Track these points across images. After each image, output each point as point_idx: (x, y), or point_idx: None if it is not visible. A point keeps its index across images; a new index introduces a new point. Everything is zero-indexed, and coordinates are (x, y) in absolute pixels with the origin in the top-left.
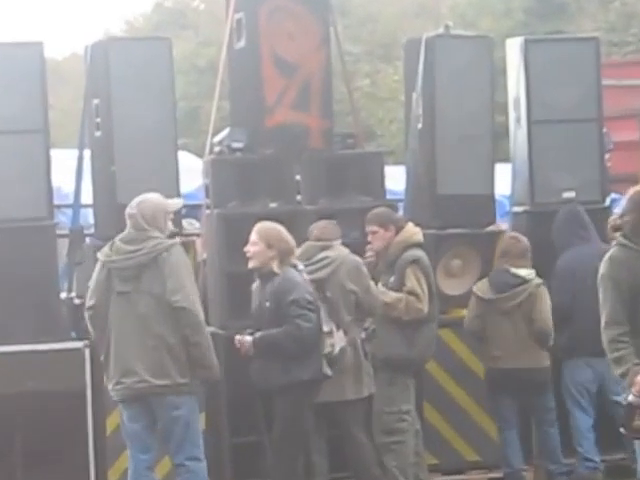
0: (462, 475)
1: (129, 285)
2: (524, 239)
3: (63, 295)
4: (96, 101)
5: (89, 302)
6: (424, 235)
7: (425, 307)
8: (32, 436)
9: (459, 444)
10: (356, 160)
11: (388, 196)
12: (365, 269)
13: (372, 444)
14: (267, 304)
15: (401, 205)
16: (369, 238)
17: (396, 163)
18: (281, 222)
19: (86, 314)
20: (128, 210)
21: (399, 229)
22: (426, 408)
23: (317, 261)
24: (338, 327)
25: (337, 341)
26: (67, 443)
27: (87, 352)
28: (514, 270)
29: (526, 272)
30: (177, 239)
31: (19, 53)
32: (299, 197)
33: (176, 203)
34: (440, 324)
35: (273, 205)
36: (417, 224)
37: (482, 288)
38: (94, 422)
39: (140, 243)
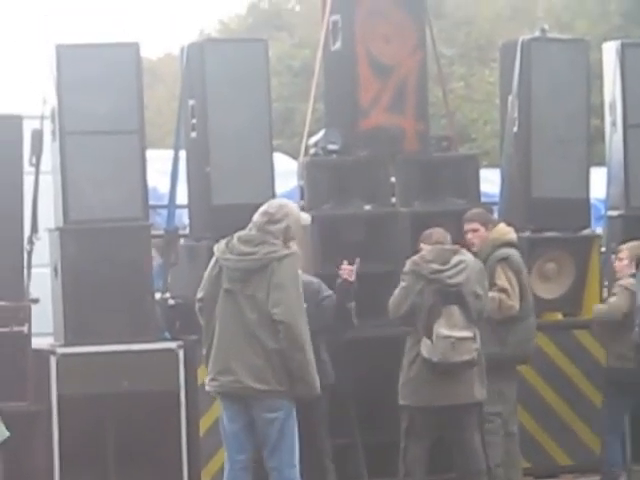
0: (554, 479)
1: (236, 285)
2: None
3: (157, 296)
4: (192, 102)
5: (199, 294)
6: (518, 239)
7: (516, 304)
8: (126, 436)
9: (552, 448)
10: (451, 163)
11: (483, 199)
12: (486, 275)
13: (482, 447)
14: None
15: (495, 208)
16: (469, 236)
17: (491, 165)
18: (375, 224)
19: (196, 306)
20: (265, 208)
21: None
22: (519, 411)
23: (454, 265)
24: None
25: (478, 346)
26: (161, 443)
27: (181, 353)
28: None
29: None
30: (294, 248)
31: (115, 53)
32: (393, 199)
33: (307, 218)
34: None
35: (367, 207)
36: (512, 227)
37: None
38: (188, 423)
39: (255, 246)
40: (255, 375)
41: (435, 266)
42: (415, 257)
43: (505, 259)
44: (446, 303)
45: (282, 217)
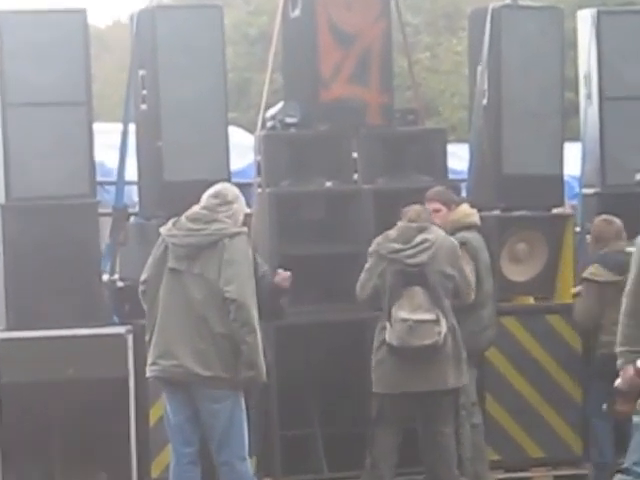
0: (526, 472)
1: (183, 264)
2: (616, 220)
3: (105, 277)
4: (142, 72)
5: (143, 276)
6: (487, 218)
7: (472, 293)
8: (72, 427)
9: (523, 439)
10: (417, 137)
11: (450, 176)
12: (460, 252)
13: (454, 439)
14: None
15: (463, 185)
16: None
17: (458, 140)
18: (336, 202)
19: (139, 288)
20: (210, 191)
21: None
22: (488, 400)
23: (417, 244)
24: (442, 313)
25: (442, 328)
26: (109, 434)
27: (130, 338)
28: (629, 249)
29: None
30: (244, 229)
31: (61, 21)
32: (356, 176)
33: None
34: (504, 312)
35: (328, 184)
36: (481, 205)
37: (598, 273)
38: (137, 412)
39: (205, 223)
40: (199, 360)
41: (395, 245)
42: (379, 237)
43: (462, 244)
44: (407, 284)
45: (234, 199)
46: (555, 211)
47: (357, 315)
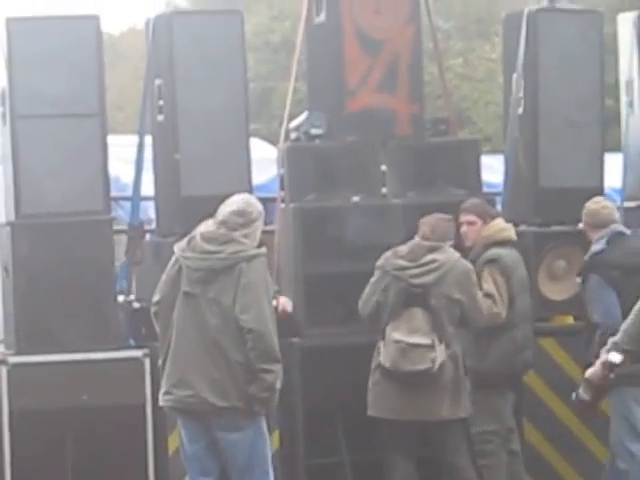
0: None
1: (197, 288)
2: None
3: (120, 298)
4: (158, 82)
5: (155, 297)
6: (524, 233)
7: (503, 312)
8: (86, 456)
9: (562, 466)
10: (449, 148)
11: (484, 189)
12: (475, 277)
13: (475, 471)
14: None
15: (498, 199)
16: (463, 229)
17: (493, 151)
18: (364, 218)
19: (151, 310)
20: (233, 207)
21: None
22: (526, 426)
23: (424, 264)
24: (440, 340)
25: (438, 355)
26: (125, 464)
27: (147, 362)
28: None
29: None
30: (263, 249)
31: (73, 28)
32: (384, 190)
33: None
34: (541, 333)
35: (355, 199)
36: (517, 220)
37: None
38: (155, 440)
39: (220, 245)
40: (214, 389)
41: (402, 262)
42: (389, 251)
43: (494, 261)
44: (408, 305)
45: (257, 217)
46: None
47: None
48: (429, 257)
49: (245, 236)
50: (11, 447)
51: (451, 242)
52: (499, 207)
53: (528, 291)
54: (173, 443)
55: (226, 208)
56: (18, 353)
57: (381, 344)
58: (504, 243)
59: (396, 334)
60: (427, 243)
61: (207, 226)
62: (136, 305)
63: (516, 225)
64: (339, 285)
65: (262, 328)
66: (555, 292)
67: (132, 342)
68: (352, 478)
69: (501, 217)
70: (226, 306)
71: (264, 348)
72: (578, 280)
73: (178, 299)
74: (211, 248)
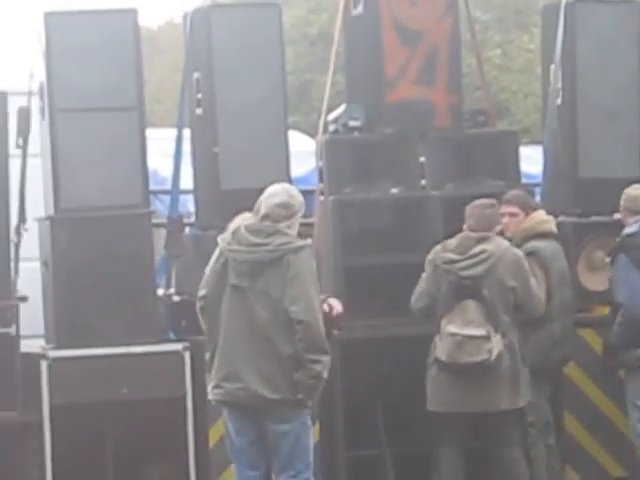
0: None
1: (245, 281)
2: None
3: (160, 292)
4: (196, 75)
5: (201, 292)
6: (563, 224)
7: (540, 306)
8: (126, 449)
9: (603, 458)
10: (488, 140)
11: (523, 180)
12: (527, 265)
13: (526, 465)
14: None
15: (537, 190)
16: (505, 220)
17: (532, 143)
18: (403, 210)
19: (197, 305)
20: (276, 200)
21: None
22: (567, 418)
23: (473, 255)
24: (496, 330)
25: (494, 346)
26: (165, 457)
27: (187, 355)
28: None
29: None
30: (309, 240)
31: (111, 21)
32: (423, 181)
33: None
34: (581, 323)
35: (394, 190)
36: (556, 211)
37: None
38: (195, 433)
39: (267, 237)
40: (265, 382)
41: (451, 255)
42: (438, 245)
43: (532, 254)
44: (460, 297)
45: (299, 209)
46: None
47: (425, 329)
48: (478, 248)
49: (288, 227)
50: (52, 441)
51: (499, 227)
52: (538, 198)
53: (569, 284)
54: (214, 436)
55: (269, 200)
56: (58, 347)
57: (437, 338)
58: (544, 235)
59: (451, 327)
60: (475, 234)
61: (245, 219)
62: (176, 298)
63: (555, 216)
64: (378, 277)
65: (311, 319)
66: (594, 283)
67: (172, 335)
68: (393, 471)
69: (542, 209)
70: (275, 298)
71: (312, 339)
72: (607, 260)
73: (225, 293)
74: (258, 240)
